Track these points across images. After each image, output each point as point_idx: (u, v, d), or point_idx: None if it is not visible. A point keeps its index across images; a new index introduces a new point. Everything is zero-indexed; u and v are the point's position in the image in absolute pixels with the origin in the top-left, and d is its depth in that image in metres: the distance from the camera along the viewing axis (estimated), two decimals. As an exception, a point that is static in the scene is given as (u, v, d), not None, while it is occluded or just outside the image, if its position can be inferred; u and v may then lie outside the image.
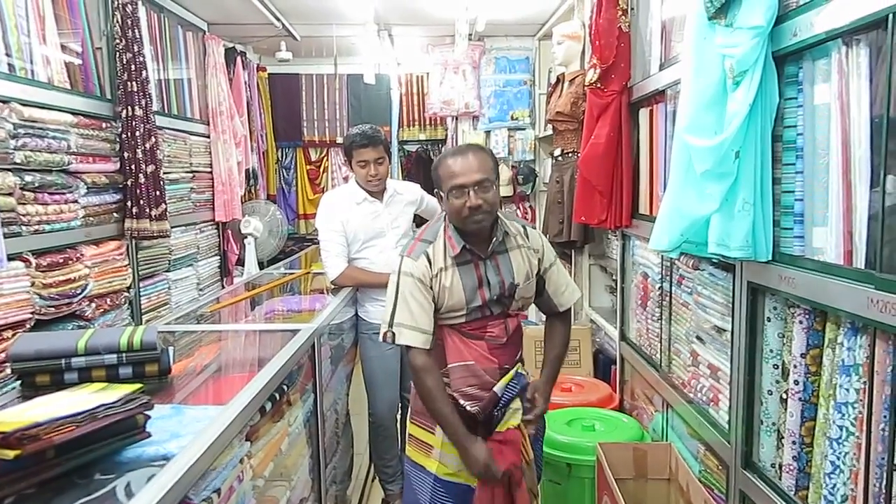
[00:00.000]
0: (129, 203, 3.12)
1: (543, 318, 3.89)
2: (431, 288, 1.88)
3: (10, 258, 2.35)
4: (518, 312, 1.99)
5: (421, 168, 6.01)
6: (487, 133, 5.18)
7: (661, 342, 2.54)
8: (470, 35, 4.95)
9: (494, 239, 1.91)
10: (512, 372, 1.95)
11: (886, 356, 1.26)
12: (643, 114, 2.71)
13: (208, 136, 4.32)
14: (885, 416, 1.26)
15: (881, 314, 1.24)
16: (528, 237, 2.01)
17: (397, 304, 1.88)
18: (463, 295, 1.89)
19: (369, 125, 2.83)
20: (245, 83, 4.99)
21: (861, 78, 1.33)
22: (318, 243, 2.98)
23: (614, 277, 3.36)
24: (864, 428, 1.32)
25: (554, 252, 2.09)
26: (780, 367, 1.67)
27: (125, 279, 3.10)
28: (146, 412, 1.21)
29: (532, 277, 1.98)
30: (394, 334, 1.88)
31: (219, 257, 4.50)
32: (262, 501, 1.56)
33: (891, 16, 1.21)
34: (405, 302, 1.86)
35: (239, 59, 4.88)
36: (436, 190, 1.98)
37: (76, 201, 2.75)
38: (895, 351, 1.24)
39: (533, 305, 2.13)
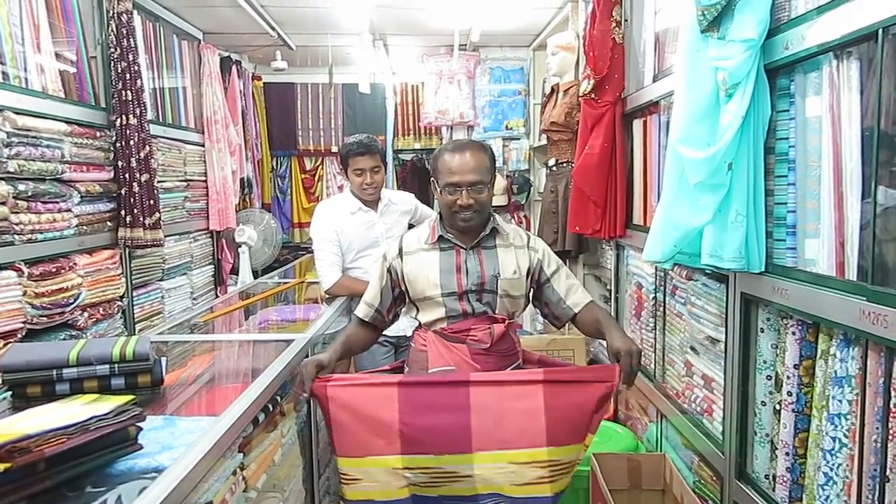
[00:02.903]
0: (122, 212, 3.11)
1: (539, 326, 3.90)
2: (391, 270, 2.00)
3: (2, 267, 2.34)
4: (506, 319, 1.93)
5: (416, 177, 6.00)
6: (482, 143, 5.20)
7: (655, 352, 2.55)
8: (465, 45, 4.98)
9: (482, 233, 1.95)
10: None
11: (878, 368, 1.27)
12: (637, 125, 2.72)
13: (203, 145, 4.32)
14: (877, 428, 1.26)
15: (873, 326, 1.25)
16: (527, 239, 2.02)
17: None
18: (438, 277, 1.90)
19: (366, 134, 2.83)
20: (240, 92, 4.99)
21: (852, 91, 1.34)
22: (312, 252, 2.98)
23: (608, 287, 3.36)
24: (857, 439, 1.32)
25: (559, 261, 2.04)
26: (774, 378, 1.67)
27: (118, 288, 3.08)
28: (138, 424, 1.20)
29: (521, 275, 1.93)
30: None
31: (213, 266, 4.49)
32: (254, 513, 1.55)
33: (881, 30, 1.22)
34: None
35: (234, 68, 4.88)
36: (432, 179, 2.01)
37: (69, 210, 2.74)
38: (887, 362, 1.25)
39: (529, 314, 2.12)
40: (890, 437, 1.23)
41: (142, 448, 1.19)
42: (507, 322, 1.93)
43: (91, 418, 1.12)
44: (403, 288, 1.99)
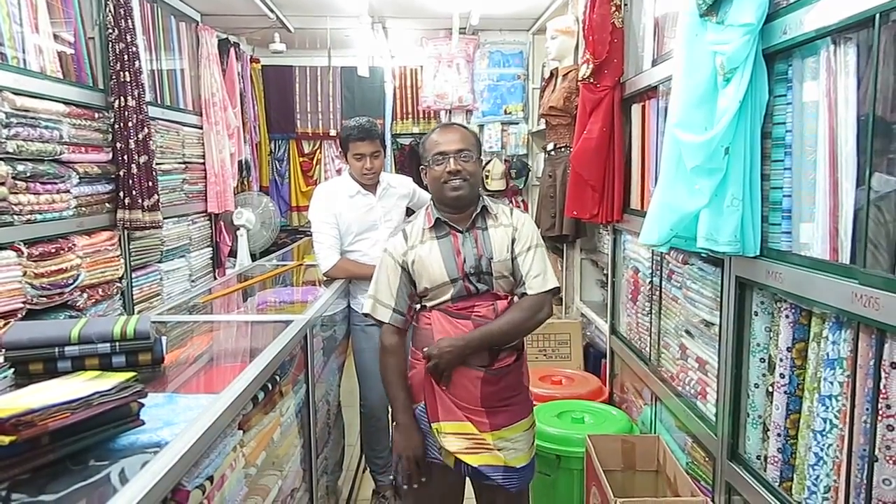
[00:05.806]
0: (121, 193, 3.11)
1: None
2: (404, 265, 1.98)
3: (2, 247, 2.35)
4: (508, 296, 1.97)
5: (414, 161, 5.99)
6: (481, 127, 5.20)
7: (650, 336, 2.57)
8: (464, 29, 4.95)
9: (474, 213, 1.98)
10: None
11: (869, 350, 1.29)
12: (635, 109, 2.72)
13: (201, 128, 4.31)
14: (867, 409, 1.29)
15: (864, 308, 1.26)
16: (510, 215, 2.01)
17: (373, 277, 2.05)
18: (442, 265, 1.93)
19: (366, 118, 2.83)
20: (238, 74, 4.97)
21: (849, 76, 1.35)
22: (310, 235, 2.98)
23: (605, 272, 3.38)
24: (847, 420, 1.34)
25: (538, 240, 2.00)
26: (767, 360, 1.70)
27: (117, 269, 3.09)
28: (140, 400, 1.21)
29: (508, 255, 1.95)
30: (370, 303, 2.03)
31: (211, 248, 4.49)
32: (254, 490, 1.58)
33: (878, 15, 1.23)
34: (376, 278, 2.03)
35: (232, 50, 4.85)
36: (421, 167, 2.06)
37: (68, 191, 2.74)
38: (878, 345, 1.27)
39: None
40: (879, 418, 1.25)
41: (143, 424, 1.20)
42: (509, 299, 1.97)
43: (94, 394, 1.13)
44: (414, 282, 1.99)
